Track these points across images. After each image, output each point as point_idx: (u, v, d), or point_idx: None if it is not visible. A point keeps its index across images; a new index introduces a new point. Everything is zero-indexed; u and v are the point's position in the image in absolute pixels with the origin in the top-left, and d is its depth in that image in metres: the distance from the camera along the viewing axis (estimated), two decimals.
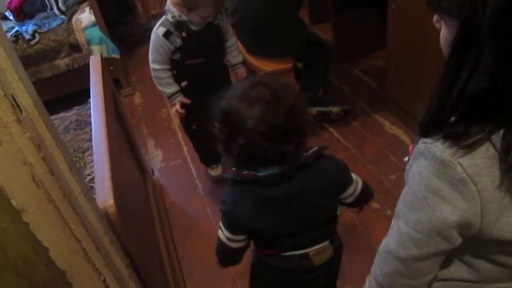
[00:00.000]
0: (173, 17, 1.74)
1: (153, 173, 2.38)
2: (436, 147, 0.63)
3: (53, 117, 2.04)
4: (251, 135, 0.93)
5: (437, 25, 0.72)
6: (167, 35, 1.75)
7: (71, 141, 1.81)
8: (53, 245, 0.78)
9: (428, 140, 0.64)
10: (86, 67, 1.83)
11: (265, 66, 2.24)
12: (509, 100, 0.58)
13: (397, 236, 0.72)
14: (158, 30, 1.76)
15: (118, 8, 3.53)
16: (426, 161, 0.65)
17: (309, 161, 1.02)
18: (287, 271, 1.15)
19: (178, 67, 1.85)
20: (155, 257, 1.60)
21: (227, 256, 1.17)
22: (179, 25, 1.75)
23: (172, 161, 2.52)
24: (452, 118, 0.63)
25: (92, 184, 1.36)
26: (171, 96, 1.90)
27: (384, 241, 0.76)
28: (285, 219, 1.05)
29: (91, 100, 1.53)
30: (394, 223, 0.73)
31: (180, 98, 1.90)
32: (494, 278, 0.74)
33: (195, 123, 2.05)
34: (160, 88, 1.89)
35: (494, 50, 0.56)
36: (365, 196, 1.18)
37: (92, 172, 1.48)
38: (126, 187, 1.46)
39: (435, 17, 0.71)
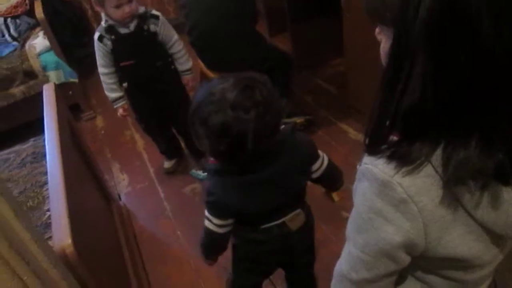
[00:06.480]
0: (105, 22, 1.93)
1: (120, 199, 2.32)
2: (377, 168, 0.62)
3: (7, 151, 1.96)
4: (256, 140, 0.96)
5: (378, 37, 0.72)
6: (100, 38, 1.94)
7: (28, 176, 1.73)
8: None
9: (369, 161, 0.64)
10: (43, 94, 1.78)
11: None
12: (440, 113, 0.57)
13: (348, 259, 0.71)
14: (94, 35, 1.96)
15: (73, 31, 3.45)
16: (368, 182, 0.64)
17: (283, 140, 1.08)
18: (269, 242, 1.22)
19: (117, 69, 2.03)
20: None
21: (215, 245, 1.24)
22: (109, 29, 1.93)
23: (138, 184, 2.46)
24: (395, 137, 0.62)
25: (50, 221, 1.31)
26: (114, 101, 2.11)
27: (337, 264, 0.75)
28: (269, 197, 1.13)
29: (45, 132, 1.47)
30: (346, 246, 0.73)
31: (122, 104, 2.12)
32: None
33: (142, 123, 2.29)
34: (106, 92, 2.09)
35: (423, 60, 0.55)
36: (332, 172, 1.26)
37: None
38: (87, 220, 1.41)
39: (377, 30, 0.72)
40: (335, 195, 1.39)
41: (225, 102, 0.95)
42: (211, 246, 1.25)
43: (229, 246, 1.29)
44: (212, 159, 1.11)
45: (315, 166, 1.20)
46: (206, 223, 1.17)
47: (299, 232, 1.24)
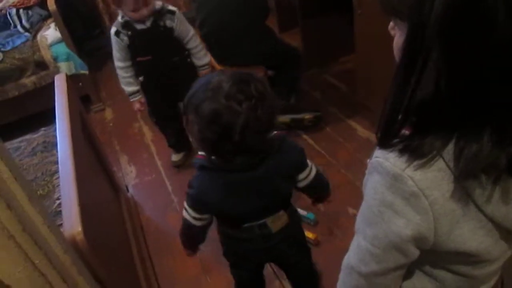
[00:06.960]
0: (122, 17, 1.95)
1: (128, 190, 2.33)
2: (388, 161, 0.62)
3: (19, 139, 1.98)
4: (244, 133, 0.96)
5: (392, 32, 0.71)
6: (117, 33, 1.97)
7: (39, 164, 1.75)
8: (16, 282, 0.75)
9: (380, 155, 0.64)
10: (54, 85, 1.80)
11: None
12: (453, 107, 0.57)
13: (357, 252, 0.72)
14: (111, 30, 2.00)
15: (84, 23, 3.48)
16: (379, 175, 0.64)
17: (273, 144, 1.09)
18: (250, 241, 1.23)
19: (134, 63, 2.05)
20: (132, 279, 1.57)
21: (193, 236, 1.26)
22: (125, 24, 1.95)
23: (146, 176, 2.48)
24: (407, 131, 0.62)
25: (61, 209, 1.32)
26: (130, 95, 2.13)
27: (346, 257, 0.76)
28: (250, 200, 1.13)
29: (56, 122, 1.49)
30: (355, 238, 0.73)
31: (139, 98, 2.14)
32: (456, 287, 0.74)
33: (154, 116, 2.32)
34: (122, 86, 2.11)
35: (438, 54, 0.55)
36: (319, 183, 1.26)
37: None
38: (96, 210, 1.43)
39: (390, 24, 0.71)
40: (320, 205, 1.40)
41: (220, 92, 0.97)
42: (188, 236, 1.27)
43: None
44: (200, 153, 1.13)
45: (302, 175, 1.20)
46: (184, 213, 1.19)
47: (281, 232, 1.24)
